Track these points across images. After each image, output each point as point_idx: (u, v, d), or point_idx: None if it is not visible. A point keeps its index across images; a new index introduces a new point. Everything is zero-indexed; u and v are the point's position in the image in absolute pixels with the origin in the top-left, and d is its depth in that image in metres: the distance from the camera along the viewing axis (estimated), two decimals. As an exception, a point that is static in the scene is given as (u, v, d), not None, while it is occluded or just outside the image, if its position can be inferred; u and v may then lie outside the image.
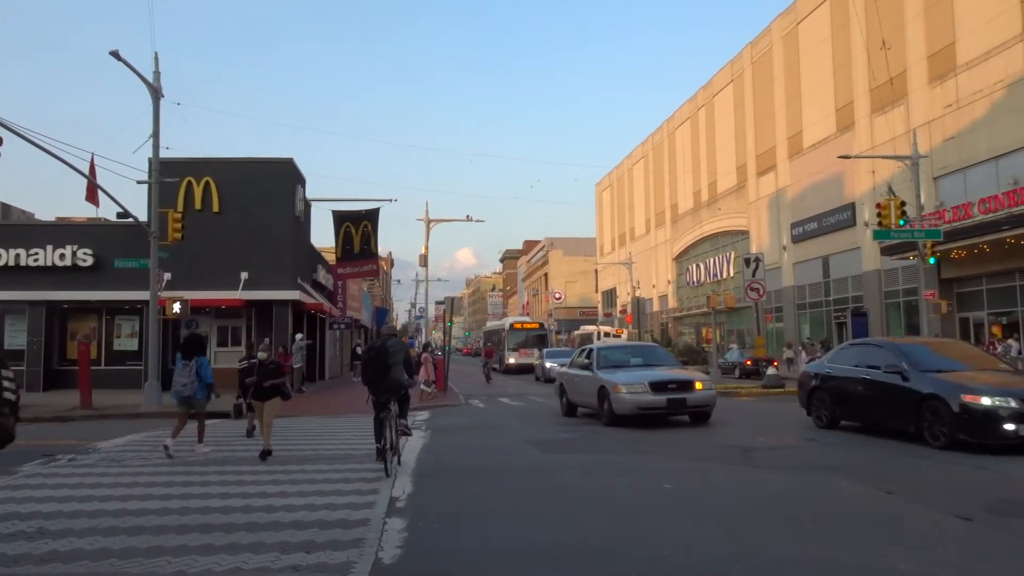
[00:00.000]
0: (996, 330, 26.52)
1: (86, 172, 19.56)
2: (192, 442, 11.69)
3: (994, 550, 5.93)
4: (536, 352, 39.76)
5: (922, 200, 25.89)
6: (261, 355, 11.72)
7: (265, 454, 10.80)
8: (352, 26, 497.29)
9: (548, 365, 30.00)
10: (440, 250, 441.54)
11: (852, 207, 34.66)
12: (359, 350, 40.56)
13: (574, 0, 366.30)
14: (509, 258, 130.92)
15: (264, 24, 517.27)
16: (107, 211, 48.48)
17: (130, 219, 21.32)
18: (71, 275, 25.77)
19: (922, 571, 5.29)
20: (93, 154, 19.94)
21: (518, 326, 44.12)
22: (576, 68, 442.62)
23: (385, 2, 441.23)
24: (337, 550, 6.04)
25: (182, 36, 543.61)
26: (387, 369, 10.13)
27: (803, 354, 31.10)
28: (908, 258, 27.62)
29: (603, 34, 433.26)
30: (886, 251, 29.69)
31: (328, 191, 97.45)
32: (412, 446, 12.38)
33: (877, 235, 25.04)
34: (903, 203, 24.09)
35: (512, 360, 40.96)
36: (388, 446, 9.63)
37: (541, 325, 46.92)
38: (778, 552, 5.89)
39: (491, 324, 59.73)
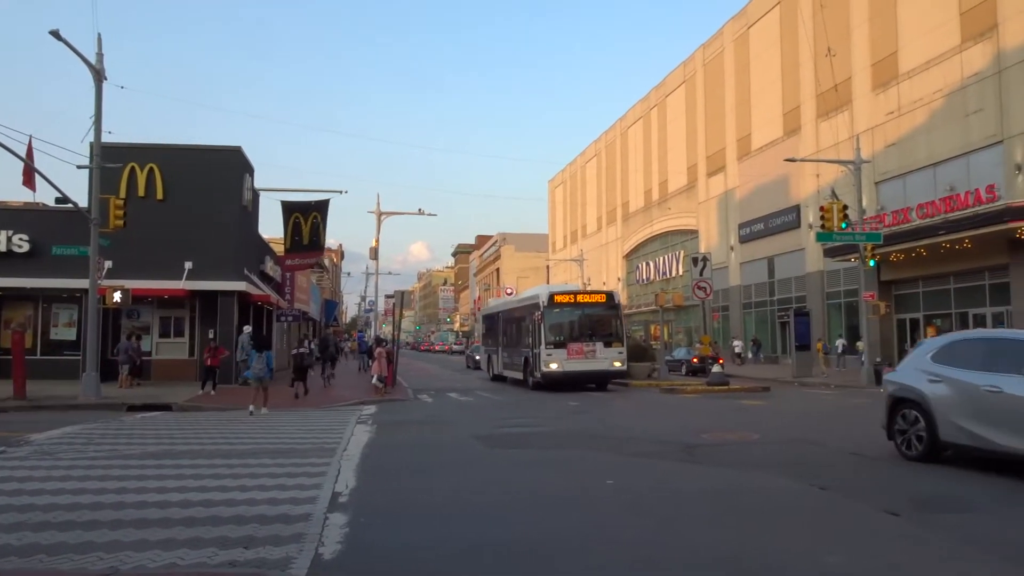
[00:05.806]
0: (931, 331, 27.43)
1: (23, 155, 18.89)
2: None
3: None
4: (600, 347, 23.26)
5: (864, 204, 26.67)
6: None
7: None
8: (319, 19, 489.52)
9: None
10: (393, 244, 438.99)
11: (797, 209, 35.49)
12: (309, 343, 39.91)
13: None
14: (461, 252, 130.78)
15: (222, 10, 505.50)
16: (45, 196, 46.97)
17: (69, 204, 20.68)
18: (6, 261, 24.88)
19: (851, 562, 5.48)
20: (31, 136, 19.27)
21: (563, 299, 24.32)
22: (532, 64, 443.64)
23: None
24: (277, 545, 5.98)
25: (129, 19, 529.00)
26: (327, 348, 25.33)
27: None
28: (849, 260, 28.41)
29: (563, 30, 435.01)
30: (829, 253, 30.49)
31: (279, 182, 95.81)
32: (357, 440, 12.32)
33: (820, 237, 25.70)
34: (845, 207, 24.78)
35: (554, 365, 23.07)
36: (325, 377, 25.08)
37: (610, 296, 25.15)
38: (713, 545, 6.03)
39: (496, 302, 39.21)
